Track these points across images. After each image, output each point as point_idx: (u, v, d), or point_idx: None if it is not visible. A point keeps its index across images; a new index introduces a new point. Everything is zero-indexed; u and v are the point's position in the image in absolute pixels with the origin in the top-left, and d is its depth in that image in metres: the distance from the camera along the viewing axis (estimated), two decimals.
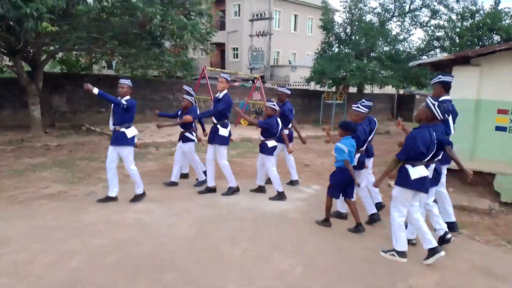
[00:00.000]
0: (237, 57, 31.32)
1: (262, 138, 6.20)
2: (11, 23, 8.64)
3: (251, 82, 20.33)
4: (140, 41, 10.19)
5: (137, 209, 5.46)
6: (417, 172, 4.01)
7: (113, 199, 5.71)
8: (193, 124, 6.65)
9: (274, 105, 6.05)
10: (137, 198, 5.77)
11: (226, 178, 6.30)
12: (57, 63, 16.96)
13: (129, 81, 5.63)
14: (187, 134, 6.56)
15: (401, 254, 4.21)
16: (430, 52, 18.57)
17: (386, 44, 18.66)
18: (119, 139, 5.51)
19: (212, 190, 6.36)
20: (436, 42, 18.36)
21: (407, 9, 19.20)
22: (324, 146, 12.49)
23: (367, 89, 24.81)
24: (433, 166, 4.30)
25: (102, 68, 18.33)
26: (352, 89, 20.76)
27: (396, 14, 19.19)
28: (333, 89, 19.49)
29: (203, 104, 15.94)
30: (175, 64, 13.48)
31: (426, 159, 4.08)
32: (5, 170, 7.35)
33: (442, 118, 4.03)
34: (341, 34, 19.01)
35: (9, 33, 9.47)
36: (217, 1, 22.04)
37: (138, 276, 3.57)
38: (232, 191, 6.32)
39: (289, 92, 7.12)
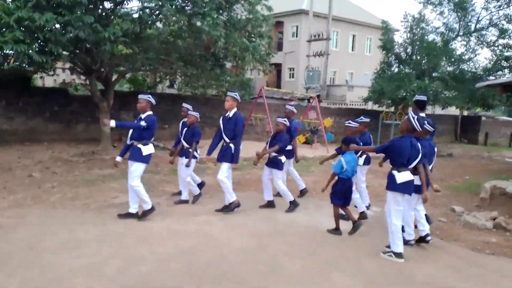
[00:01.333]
0: (293, 77, 31.64)
1: (275, 154, 6.32)
2: (89, 45, 9.45)
3: (306, 101, 20.43)
4: (204, 62, 10.71)
5: (199, 221, 5.69)
6: (402, 176, 4.55)
7: (133, 215, 5.61)
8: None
9: (285, 121, 6.38)
10: (145, 213, 5.58)
11: (225, 193, 6.13)
12: (126, 82, 18.12)
13: (148, 96, 5.58)
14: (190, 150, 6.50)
15: (398, 255, 4.62)
16: (498, 73, 17.66)
17: (450, 64, 18.03)
18: (134, 155, 5.48)
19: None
20: (505, 62, 17.44)
21: (472, 29, 18.51)
22: (383, 167, 12.21)
23: (429, 109, 23.96)
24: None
25: (166, 87, 19.32)
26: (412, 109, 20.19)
27: (461, 33, 18.54)
28: (392, 109, 19.06)
29: (259, 122, 16.27)
30: (234, 83, 13.95)
31: (411, 165, 4.58)
32: (79, 180, 7.95)
33: (420, 129, 4.60)
34: (401, 53, 18.67)
35: (86, 54, 10.36)
36: (276, 22, 22.58)
37: (201, 284, 3.74)
38: (233, 207, 6.15)
39: (295, 110, 7.37)
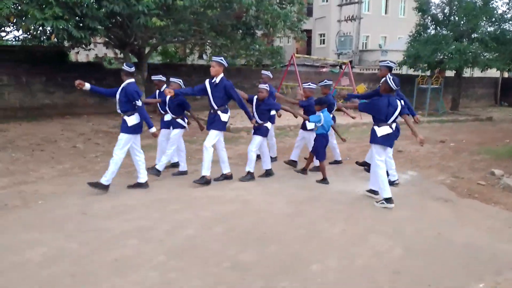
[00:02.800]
0: (323, 43, 30.94)
1: (261, 121, 6.29)
2: (123, 19, 9.59)
3: (338, 67, 20.06)
4: (234, 32, 10.66)
5: (237, 187, 5.89)
6: (382, 130, 5.17)
7: (142, 185, 5.66)
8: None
9: (267, 86, 6.38)
10: (95, 185, 5.37)
11: (203, 163, 5.88)
12: (157, 55, 18.32)
13: (129, 64, 5.60)
14: (179, 120, 6.32)
15: (389, 200, 5.15)
16: None
17: (490, 24, 17.09)
18: (121, 126, 5.46)
19: (228, 177, 6.28)
20: None
21: None
22: (418, 132, 12.01)
23: (467, 72, 23.01)
24: (394, 125, 5.28)
25: (197, 58, 19.40)
26: (449, 73, 19.45)
27: None
28: (428, 73, 18.43)
29: (290, 91, 16.16)
30: (265, 52, 13.85)
31: (390, 121, 5.17)
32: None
33: (396, 88, 5.16)
34: (438, 15, 17.80)
35: (121, 28, 10.53)
36: None
37: (245, 245, 3.93)
38: (204, 180, 5.86)
39: (271, 75, 7.47)
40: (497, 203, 5.51)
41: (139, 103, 5.38)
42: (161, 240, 3.99)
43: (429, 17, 17.87)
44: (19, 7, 7.85)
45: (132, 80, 5.54)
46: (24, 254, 3.64)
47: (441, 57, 16.50)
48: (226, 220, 4.55)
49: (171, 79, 6.48)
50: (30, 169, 6.56)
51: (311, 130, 6.71)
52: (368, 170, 6.45)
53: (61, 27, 7.40)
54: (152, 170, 6.19)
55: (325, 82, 6.98)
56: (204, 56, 20.16)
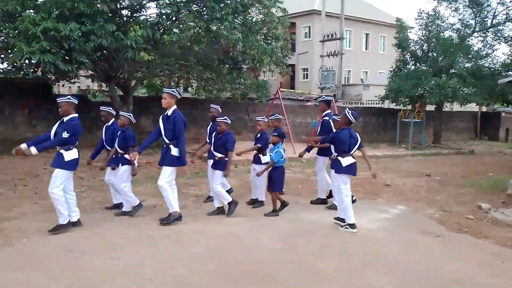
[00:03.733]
0: (307, 78, 31.62)
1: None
2: (110, 53, 9.62)
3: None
4: (221, 66, 10.80)
5: (227, 222, 5.78)
6: (346, 161, 5.52)
7: (75, 224, 5.24)
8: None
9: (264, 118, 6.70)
10: (58, 228, 5.07)
11: (167, 202, 5.60)
12: (143, 87, 18.37)
13: (68, 97, 5.19)
14: (126, 155, 5.87)
15: (352, 225, 5.51)
16: None
17: (467, 60, 17.77)
18: (56, 161, 5.06)
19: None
20: None
21: (489, 24, 18.22)
22: (403, 165, 12.19)
23: (447, 106, 23.68)
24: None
25: (183, 91, 19.51)
26: (430, 107, 20.01)
27: (477, 29, 18.26)
28: (409, 107, 18.91)
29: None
30: (251, 86, 14.03)
31: (352, 152, 5.57)
32: (105, 184, 8.08)
33: (354, 121, 5.56)
34: (417, 51, 18.46)
35: (107, 61, 10.56)
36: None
37: (239, 283, 3.82)
38: (174, 218, 5.54)
39: (220, 110, 7.12)
40: (487, 237, 5.53)
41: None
42: (151, 280, 3.84)
43: (408, 53, 18.50)
44: (6, 40, 7.82)
45: (76, 115, 5.16)
46: None
47: (421, 91, 16.99)
48: (217, 257, 4.43)
49: (121, 112, 6.11)
50: (12, 205, 6.33)
51: (266, 163, 6.45)
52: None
53: (47, 60, 7.37)
54: (120, 212, 6.01)
55: (276, 116, 6.79)
56: (190, 89, 20.29)
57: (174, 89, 5.56)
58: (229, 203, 6.07)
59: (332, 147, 5.99)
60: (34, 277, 3.83)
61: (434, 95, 16.12)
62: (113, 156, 6.04)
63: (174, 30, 9.24)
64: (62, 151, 5.04)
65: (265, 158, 6.52)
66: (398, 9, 73.18)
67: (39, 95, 13.05)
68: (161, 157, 5.65)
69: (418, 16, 18.23)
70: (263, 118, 6.61)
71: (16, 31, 7.35)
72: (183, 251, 4.58)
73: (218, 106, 7.22)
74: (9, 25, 7.59)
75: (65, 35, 7.45)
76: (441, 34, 17.77)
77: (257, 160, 6.64)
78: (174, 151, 5.48)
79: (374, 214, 6.51)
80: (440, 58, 17.27)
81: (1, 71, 11.18)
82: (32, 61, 7.44)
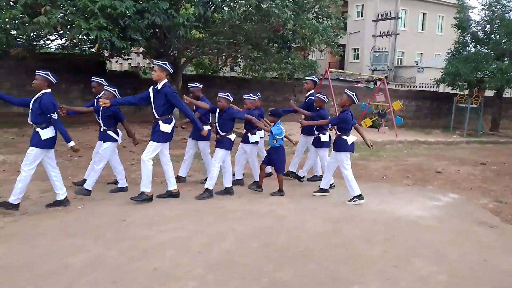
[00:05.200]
0: (357, 58, 30.73)
1: (223, 133, 5.83)
2: (163, 30, 9.80)
3: (372, 83, 19.79)
4: (271, 45, 10.70)
5: (271, 201, 5.81)
6: (351, 139, 5.94)
7: (62, 202, 5.11)
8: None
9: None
10: (3, 204, 4.85)
11: (141, 178, 5.39)
12: (192, 66, 18.62)
13: (47, 73, 4.88)
14: (110, 132, 5.68)
15: (360, 196, 5.91)
16: None
17: None
18: (32, 139, 4.87)
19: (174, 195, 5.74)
20: None
21: None
22: (457, 153, 11.64)
23: (508, 92, 22.19)
24: None
25: (230, 70, 19.61)
26: (488, 93, 18.85)
27: None
28: (466, 92, 17.92)
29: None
30: (299, 66, 13.84)
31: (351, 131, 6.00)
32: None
33: (358, 102, 6.23)
34: (478, 33, 17.32)
35: (159, 39, 10.77)
36: None
37: (282, 262, 3.84)
38: (143, 198, 5.36)
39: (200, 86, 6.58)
40: None
41: (54, 116, 4.81)
42: (199, 252, 3.96)
43: (468, 35, 17.41)
44: (65, 17, 8.15)
45: (49, 90, 4.90)
46: (65, 260, 3.68)
47: (481, 76, 16.00)
48: (261, 236, 4.47)
49: (106, 87, 5.76)
50: (69, 174, 6.69)
51: (254, 143, 6.43)
52: (298, 178, 7.04)
53: (104, 37, 7.62)
54: (80, 190, 5.60)
55: (250, 96, 6.46)
56: (236, 69, 20.35)
57: (166, 62, 5.30)
58: (207, 189, 5.77)
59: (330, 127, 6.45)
60: (90, 244, 4.06)
61: (495, 80, 15.14)
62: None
63: (225, 8, 9.22)
64: (38, 129, 4.83)
65: (253, 138, 6.39)
66: None
67: (93, 71, 13.60)
68: (151, 133, 5.41)
69: None
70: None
71: (75, 8, 7.64)
72: (228, 227, 4.66)
73: (197, 84, 6.70)
74: (68, 2, 7.90)
75: (121, 13, 7.64)
76: (506, 15, 16.51)
77: (245, 140, 6.45)
78: (163, 127, 5.29)
79: (424, 201, 6.29)
80: (503, 41, 16.11)
81: (59, 47, 11.71)
82: (90, 37, 7.71)
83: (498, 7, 16.70)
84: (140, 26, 7.98)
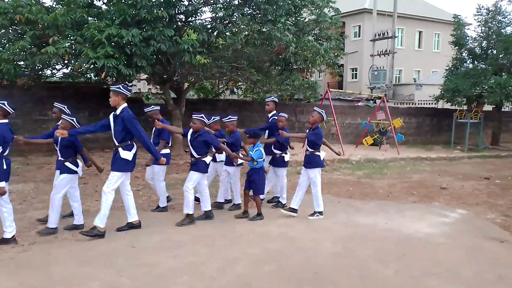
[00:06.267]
0: (356, 77, 31.07)
1: (198, 156, 5.63)
2: (168, 57, 9.97)
3: (371, 101, 19.98)
4: (272, 68, 10.87)
5: (280, 223, 5.81)
6: (322, 155, 6.05)
7: (8, 241, 4.73)
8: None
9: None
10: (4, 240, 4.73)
11: (100, 211, 5.03)
12: (194, 90, 18.85)
13: (1, 102, 4.62)
14: (67, 164, 5.22)
15: (321, 213, 6.08)
16: None
17: None
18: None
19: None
20: None
21: None
22: (460, 168, 11.68)
23: (507, 106, 22.37)
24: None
25: (230, 93, 19.83)
26: (487, 107, 19.04)
27: None
28: (465, 107, 18.09)
29: (325, 125, 16.11)
30: (299, 87, 14.00)
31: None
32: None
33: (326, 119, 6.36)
34: (475, 49, 17.63)
35: (163, 65, 10.95)
36: None
37: (298, 285, 3.84)
38: (95, 233, 4.96)
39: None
40: None
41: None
42: (213, 278, 3.96)
43: (466, 51, 17.70)
44: (73, 47, 8.34)
45: (6, 121, 4.67)
46: None
47: (480, 91, 16.19)
48: (275, 259, 4.48)
49: (63, 116, 5.35)
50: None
51: (238, 165, 6.29)
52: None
53: (111, 65, 7.78)
54: (44, 230, 5.19)
55: (213, 119, 6.47)
56: (236, 91, 20.56)
57: (120, 86, 5.03)
58: (188, 214, 5.58)
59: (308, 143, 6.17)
60: (102, 271, 4.07)
61: (494, 95, 15.33)
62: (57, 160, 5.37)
63: (227, 33, 9.43)
64: None
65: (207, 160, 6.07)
66: (453, 5, 69.90)
67: (98, 98, 13.78)
68: (112, 162, 5.09)
69: (477, 12, 17.39)
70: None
71: (83, 38, 7.82)
72: (241, 251, 4.68)
73: (156, 107, 6.72)
74: (76, 32, 8.09)
75: (127, 41, 7.82)
76: (502, 30, 16.84)
77: (228, 162, 6.26)
78: (124, 154, 4.97)
79: (433, 218, 6.31)
80: (500, 56, 16.39)
81: (64, 75, 11.88)
82: (96, 65, 7.86)
83: (494, 23, 17.06)
84: (146, 53, 8.16)
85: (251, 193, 6.08)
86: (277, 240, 5.11)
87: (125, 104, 5.00)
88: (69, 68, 10.56)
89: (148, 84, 15.30)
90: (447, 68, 18.07)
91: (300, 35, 10.00)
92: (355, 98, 20.18)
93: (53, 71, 11.00)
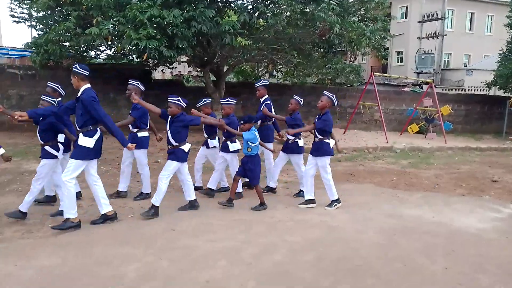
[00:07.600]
0: (401, 61, 29.85)
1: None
2: (209, 39, 9.86)
3: (418, 87, 19.12)
4: (316, 50, 10.53)
5: (320, 212, 5.64)
6: (331, 142, 5.71)
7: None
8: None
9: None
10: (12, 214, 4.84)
11: (63, 203, 4.76)
12: (234, 73, 18.75)
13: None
14: (47, 147, 4.99)
15: (337, 200, 5.81)
16: None
17: None
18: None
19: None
20: None
21: None
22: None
23: None
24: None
25: (269, 77, 19.57)
26: None
27: None
28: None
29: (368, 111, 15.59)
30: (341, 70, 13.55)
31: None
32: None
33: (337, 104, 5.86)
34: None
35: (204, 47, 10.86)
36: None
37: (339, 277, 3.68)
38: (68, 225, 4.59)
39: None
40: None
41: None
42: (250, 264, 3.87)
43: None
44: (116, 28, 8.38)
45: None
46: (119, 269, 3.70)
47: None
48: (315, 247, 4.33)
49: (42, 96, 5.14)
50: (118, 182, 6.78)
51: (235, 151, 6.03)
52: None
53: (153, 46, 7.76)
54: (13, 214, 4.90)
55: (228, 101, 6.15)
56: (275, 74, 20.26)
57: (77, 65, 4.61)
58: (153, 205, 5.16)
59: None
60: (141, 251, 4.08)
61: None
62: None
63: (269, 14, 9.17)
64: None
65: (234, 146, 5.99)
66: None
67: (140, 80, 13.94)
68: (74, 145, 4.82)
69: None
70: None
71: (125, 19, 7.83)
72: (279, 238, 4.55)
73: (138, 83, 6.38)
74: (119, 13, 8.11)
75: (169, 22, 7.76)
76: None
77: (224, 148, 6.07)
78: (83, 141, 4.56)
79: (484, 212, 5.92)
80: None
81: (107, 57, 12.06)
82: (139, 47, 7.86)
83: None
84: (187, 35, 8.06)
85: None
86: (317, 229, 4.95)
87: (87, 85, 4.60)
88: (112, 50, 10.69)
89: (188, 67, 15.31)
90: (501, 52, 16.92)
91: (344, 16, 9.54)
92: (401, 83, 19.39)
93: (97, 52, 11.17)
